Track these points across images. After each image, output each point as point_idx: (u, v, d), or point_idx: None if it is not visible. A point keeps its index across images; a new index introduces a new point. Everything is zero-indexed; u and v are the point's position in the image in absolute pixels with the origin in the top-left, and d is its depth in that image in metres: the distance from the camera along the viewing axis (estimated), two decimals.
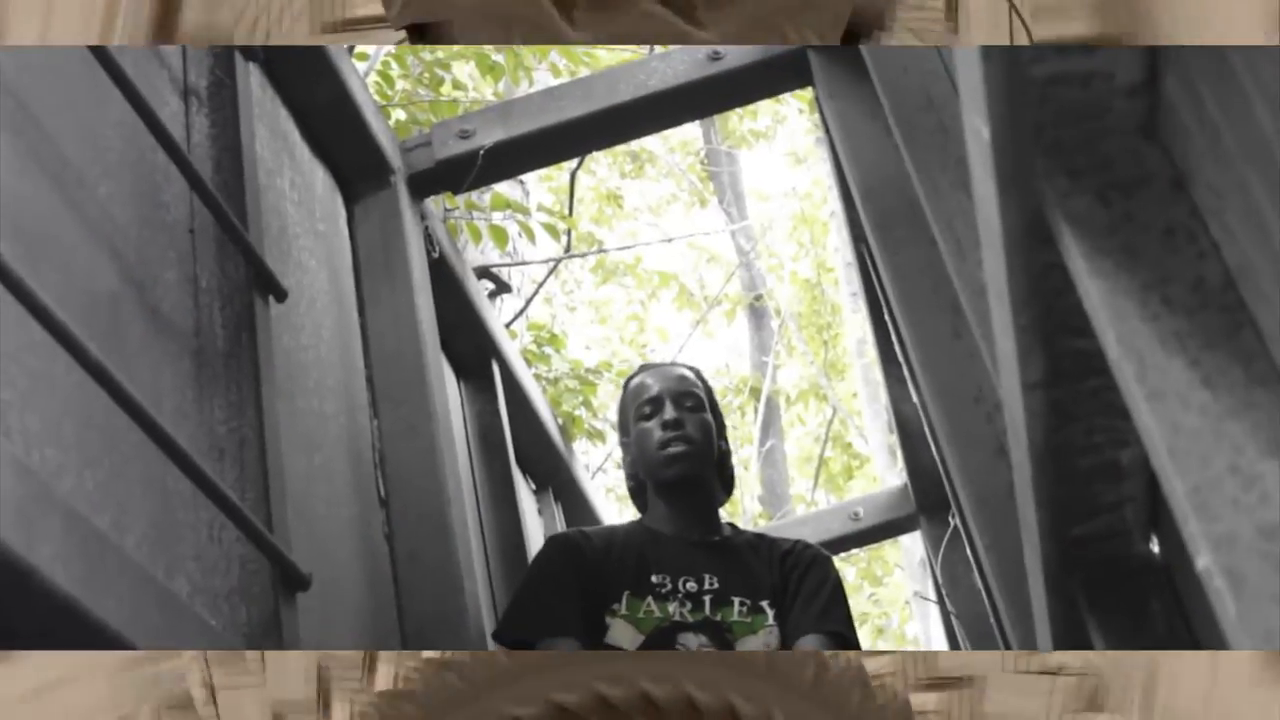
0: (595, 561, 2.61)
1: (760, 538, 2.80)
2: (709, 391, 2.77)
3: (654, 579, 2.57)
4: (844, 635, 2.56)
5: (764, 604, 2.58)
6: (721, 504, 2.79)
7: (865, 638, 13.35)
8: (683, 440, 2.59)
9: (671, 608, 2.54)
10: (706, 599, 2.56)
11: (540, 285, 5.93)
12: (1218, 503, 0.73)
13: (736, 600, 2.57)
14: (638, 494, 2.78)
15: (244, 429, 2.00)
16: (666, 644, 2.50)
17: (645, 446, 2.64)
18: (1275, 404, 0.75)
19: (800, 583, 2.60)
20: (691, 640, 2.50)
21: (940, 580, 4.67)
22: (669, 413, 2.61)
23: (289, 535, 1.93)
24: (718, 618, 2.54)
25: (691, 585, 2.57)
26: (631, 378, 2.80)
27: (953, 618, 4.52)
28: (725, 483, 2.78)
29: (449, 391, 3.37)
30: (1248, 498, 0.73)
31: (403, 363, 2.82)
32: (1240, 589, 0.70)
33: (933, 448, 3.18)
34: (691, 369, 2.81)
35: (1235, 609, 0.70)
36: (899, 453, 5.24)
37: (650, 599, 2.55)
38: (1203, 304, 0.80)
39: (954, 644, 4.81)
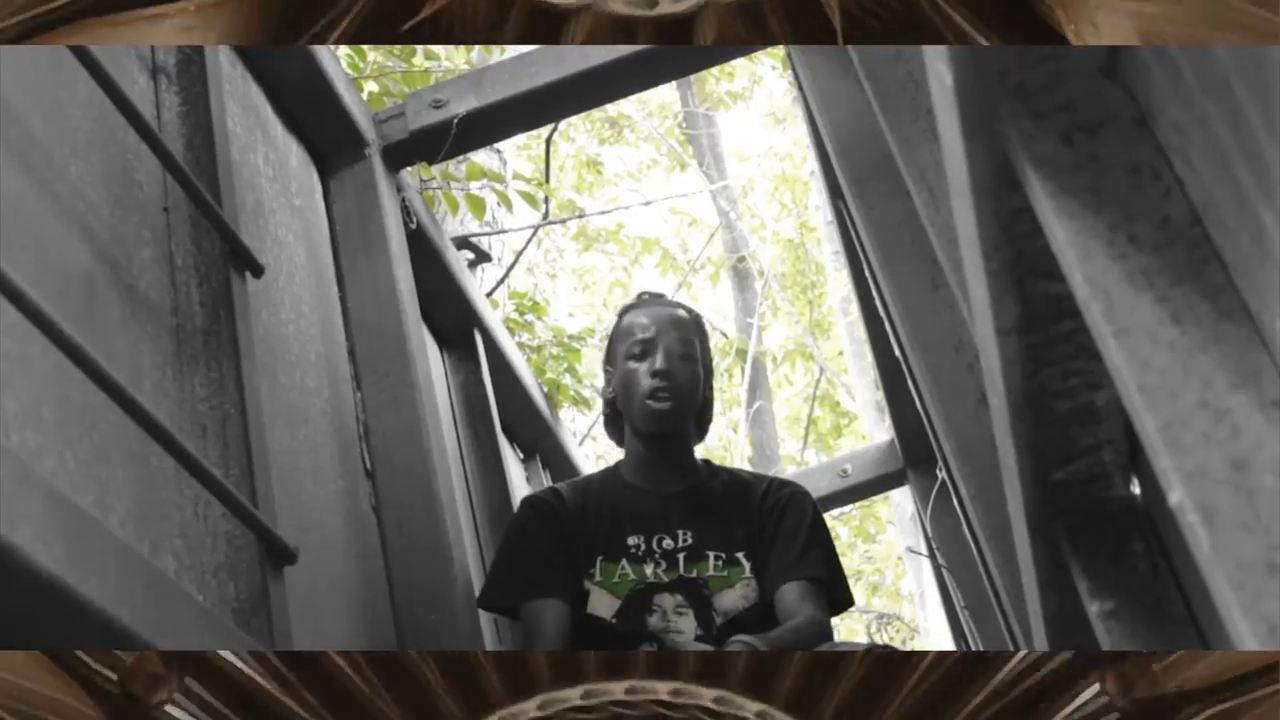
0: (571, 521, 2.63)
1: (734, 477, 2.77)
2: (703, 336, 2.74)
3: (630, 541, 2.59)
4: (822, 580, 2.56)
5: (739, 555, 2.58)
6: (696, 445, 2.77)
7: (860, 594, 13.44)
8: (669, 395, 2.57)
9: (647, 569, 2.55)
10: (681, 556, 2.56)
11: (520, 254, 5.90)
12: (1188, 438, 0.73)
13: (711, 555, 2.57)
14: (613, 421, 2.77)
15: (225, 405, 2.00)
16: (643, 605, 2.52)
17: (630, 389, 2.62)
18: (1243, 337, 0.75)
19: (777, 526, 2.61)
20: (668, 600, 2.52)
21: (930, 534, 4.70)
22: (659, 362, 2.57)
23: (274, 510, 1.92)
24: (693, 574, 2.55)
25: (667, 543, 2.58)
26: (630, 308, 2.76)
27: (944, 570, 4.55)
28: (701, 429, 2.77)
29: (432, 362, 3.37)
30: (1218, 431, 0.73)
31: (384, 335, 2.82)
32: (1213, 521, 0.70)
33: (916, 401, 3.19)
34: (689, 312, 2.76)
35: (1209, 541, 0.70)
36: (886, 408, 5.26)
37: (625, 561, 2.56)
38: (1169, 241, 0.81)
39: (946, 597, 4.85)
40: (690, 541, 2.58)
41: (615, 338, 2.72)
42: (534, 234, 6.16)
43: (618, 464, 2.79)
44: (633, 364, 2.61)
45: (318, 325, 2.64)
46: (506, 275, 5.63)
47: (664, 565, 2.56)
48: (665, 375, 2.56)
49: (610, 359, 2.73)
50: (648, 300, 2.78)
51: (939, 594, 5.42)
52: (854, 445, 12.23)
